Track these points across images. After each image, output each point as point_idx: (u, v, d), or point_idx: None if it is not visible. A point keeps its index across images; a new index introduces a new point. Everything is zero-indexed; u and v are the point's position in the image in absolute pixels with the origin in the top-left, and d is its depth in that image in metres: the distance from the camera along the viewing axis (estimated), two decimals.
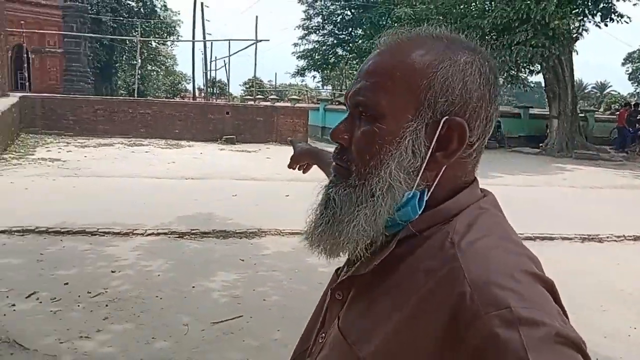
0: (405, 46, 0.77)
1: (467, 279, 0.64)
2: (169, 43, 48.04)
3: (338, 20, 31.99)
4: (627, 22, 19.34)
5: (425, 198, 0.75)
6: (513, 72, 19.42)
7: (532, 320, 0.59)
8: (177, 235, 6.40)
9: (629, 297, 4.97)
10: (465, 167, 0.78)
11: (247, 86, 53.75)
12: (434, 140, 0.73)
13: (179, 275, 5.05)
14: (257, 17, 26.68)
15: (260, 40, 26.46)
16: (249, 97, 39.49)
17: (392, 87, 0.74)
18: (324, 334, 0.86)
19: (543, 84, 20.24)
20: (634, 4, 18.77)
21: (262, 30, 34.26)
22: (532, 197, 10.18)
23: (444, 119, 0.73)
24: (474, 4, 20.38)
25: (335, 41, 32.16)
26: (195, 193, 9.00)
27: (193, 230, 6.53)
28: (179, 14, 49.45)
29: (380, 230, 0.75)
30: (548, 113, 19.88)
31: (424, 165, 0.73)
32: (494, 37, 18.72)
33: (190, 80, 44.91)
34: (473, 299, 0.62)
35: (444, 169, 0.75)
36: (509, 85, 23.07)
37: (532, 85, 29.64)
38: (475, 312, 0.61)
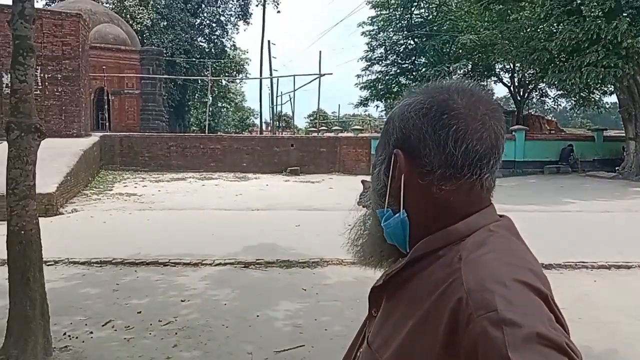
0: None
1: (464, 286, 0.71)
2: (238, 80, 50.08)
3: (401, 50, 32.16)
4: None
5: (402, 217, 0.86)
6: (584, 94, 18.67)
7: (514, 322, 0.64)
8: (243, 265, 6.59)
9: None
10: (469, 193, 0.85)
11: (312, 118, 54.79)
12: (390, 168, 0.88)
13: (244, 304, 5.20)
14: (320, 52, 27.46)
15: (324, 74, 27.13)
16: (313, 129, 40.20)
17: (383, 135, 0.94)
18: (361, 349, 0.95)
19: (617, 105, 19.29)
20: None
21: (326, 64, 35.13)
22: (608, 224, 9.65)
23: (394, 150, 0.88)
24: (541, 26, 19.91)
25: (398, 70, 32.28)
26: (261, 224, 9.25)
27: (258, 260, 6.70)
28: (247, 52, 51.65)
29: (382, 244, 0.91)
30: (624, 135, 18.88)
31: (386, 189, 0.88)
32: (562, 59, 18.18)
33: (257, 115, 46.46)
34: (468, 303, 0.69)
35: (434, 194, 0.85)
36: (581, 108, 22.20)
37: (607, 106, 28.31)
38: (469, 315, 0.68)
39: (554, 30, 19.00)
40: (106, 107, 28.33)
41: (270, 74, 35.26)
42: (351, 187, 15.88)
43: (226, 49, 44.12)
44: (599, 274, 6.16)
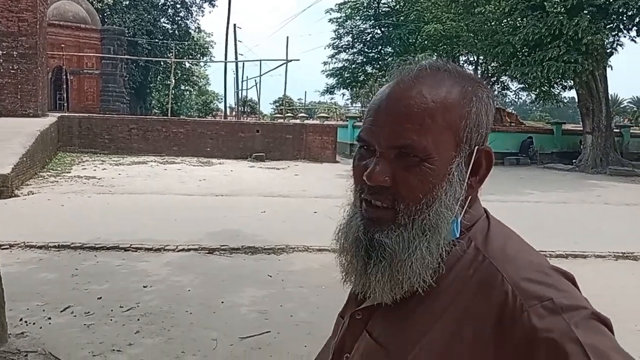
0: (429, 83, 0.81)
1: (507, 279, 0.73)
2: (202, 63, 49.16)
3: (368, 39, 32.26)
4: None
5: (460, 219, 0.81)
6: (545, 88, 19.17)
7: (573, 307, 0.70)
8: (207, 251, 6.50)
9: None
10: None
11: (277, 105, 54.40)
12: (469, 169, 0.81)
13: (208, 290, 5.13)
14: (287, 37, 27.12)
15: (291, 60, 26.81)
16: (279, 115, 39.96)
17: (434, 128, 0.78)
18: (348, 354, 0.89)
19: (576, 100, 19.88)
20: None
21: (293, 50, 34.82)
22: (564, 214, 9.97)
23: (476, 148, 0.82)
24: (505, 20, 20.28)
25: (364, 59, 32.41)
26: (225, 210, 9.14)
27: (222, 246, 6.62)
28: (211, 35, 50.67)
29: (440, 258, 0.79)
30: (582, 129, 19.51)
31: (464, 192, 0.80)
32: (525, 53, 18.58)
33: (222, 99, 45.76)
34: (515, 295, 0.71)
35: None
36: (541, 102, 22.79)
37: (566, 100, 29.15)
38: (520, 306, 0.70)
39: (518, 25, 19.39)
40: (64, 86, 27.34)
41: (236, 58, 34.72)
42: (317, 175, 15.96)
43: (190, 31, 43.20)
44: (556, 263, 6.33)
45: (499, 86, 32.08)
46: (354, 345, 0.88)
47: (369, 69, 32.31)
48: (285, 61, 27.12)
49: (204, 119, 37.25)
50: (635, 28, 18.86)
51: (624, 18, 18.70)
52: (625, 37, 19.35)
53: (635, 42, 19.32)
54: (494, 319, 0.72)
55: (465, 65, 30.32)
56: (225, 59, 34.43)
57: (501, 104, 39.13)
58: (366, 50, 32.55)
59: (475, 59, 29.12)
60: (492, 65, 26.99)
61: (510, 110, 33.98)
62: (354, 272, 0.84)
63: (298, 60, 29.54)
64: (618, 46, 19.37)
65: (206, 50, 46.08)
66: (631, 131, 23.73)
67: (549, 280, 0.73)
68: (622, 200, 11.98)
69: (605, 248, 7.03)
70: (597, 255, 6.79)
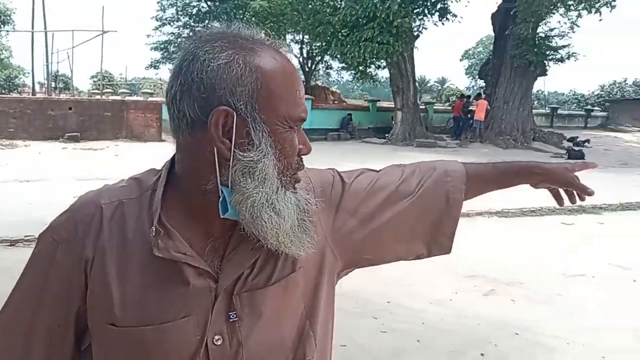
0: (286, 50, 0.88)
1: None
2: (3, 33, 43.07)
3: (194, 12, 31.24)
4: (459, 22, 21.60)
5: None
6: (362, 67, 20.49)
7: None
8: (9, 243, 5.84)
9: (452, 267, 5.49)
10: None
11: (95, 80, 50.12)
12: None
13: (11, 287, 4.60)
14: (103, 7, 24.93)
15: (107, 32, 24.81)
16: (96, 91, 36.90)
17: None
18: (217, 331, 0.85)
19: (389, 79, 21.62)
20: (465, 5, 20.91)
21: (111, 20, 32.17)
22: None
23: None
24: (327, 1, 21.08)
25: (191, 33, 31.32)
26: (31, 196, 8.25)
27: (27, 236, 5.98)
28: (12, 1, 44.48)
29: None
30: (394, 106, 21.32)
31: None
32: (344, 33, 19.59)
33: (29, 74, 40.67)
34: None
35: None
36: (360, 81, 24.35)
37: (383, 80, 31.59)
38: None
39: (338, 6, 20.35)
40: None
41: (45, 28, 31.01)
42: (140, 155, 15.07)
43: None
44: None
45: (322, 65, 33.56)
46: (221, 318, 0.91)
47: None
48: (101, 32, 25.04)
49: (6, 95, 32.74)
50: (437, 13, 21.13)
51: (428, 4, 20.84)
52: (429, 21, 21.56)
53: (437, 25, 21.68)
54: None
55: (292, 44, 31.07)
56: (33, 28, 30.55)
57: (325, 82, 41.03)
58: (192, 24, 31.54)
59: (301, 38, 29.98)
60: (316, 44, 28.06)
61: (334, 89, 35.83)
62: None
63: (116, 31, 27.32)
64: (423, 29, 21.50)
65: (8, 18, 40.48)
66: (434, 107, 26.62)
67: None
68: None
69: None
70: None
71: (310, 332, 0.91)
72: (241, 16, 28.79)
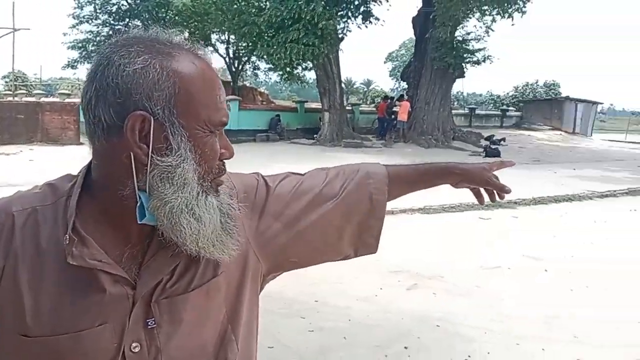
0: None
1: None
2: None
3: (114, 10, 29.97)
4: (382, 25, 22.21)
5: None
6: (289, 69, 20.55)
7: None
8: None
9: (377, 263, 5.61)
10: None
11: (7, 80, 46.93)
12: None
13: None
14: (13, 3, 23.43)
15: (18, 29, 23.39)
16: (8, 92, 34.58)
17: None
18: (136, 340, 0.84)
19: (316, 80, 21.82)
20: (387, 9, 21.53)
21: (24, 16, 30.32)
22: None
23: None
24: (252, 2, 20.92)
25: (111, 32, 30.03)
26: None
27: None
28: None
29: None
30: (321, 107, 21.55)
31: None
32: (270, 34, 19.55)
33: None
34: None
35: None
36: (287, 82, 24.39)
37: (311, 81, 31.78)
38: None
39: (263, 7, 20.27)
40: None
41: None
42: (57, 159, 14.31)
43: None
44: None
45: (250, 66, 33.31)
46: (139, 326, 0.89)
47: None
48: (12, 30, 23.55)
49: None
50: (360, 16, 21.60)
51: (352, 7, 21.26)
52: (353, 23, 22.00)
53: (360, 28, 22.13)
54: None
55: (217, 43, 30.59)
56: None
57: (253, 83, 40.75)
58: (112, 22, 30.24)
59: (227, 38, 29.57)
60: (242, 45, 27.79)
61: (262, 90, 35.66)
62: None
63: (28, 29, 25.84)
64: (348, 32, 21.89)
65: None
66: (360, 108, 27.18)
67: None
68: None
69: None
70: None
71: (232, 336, 0.92)
72: (164, 14, 27.99)
